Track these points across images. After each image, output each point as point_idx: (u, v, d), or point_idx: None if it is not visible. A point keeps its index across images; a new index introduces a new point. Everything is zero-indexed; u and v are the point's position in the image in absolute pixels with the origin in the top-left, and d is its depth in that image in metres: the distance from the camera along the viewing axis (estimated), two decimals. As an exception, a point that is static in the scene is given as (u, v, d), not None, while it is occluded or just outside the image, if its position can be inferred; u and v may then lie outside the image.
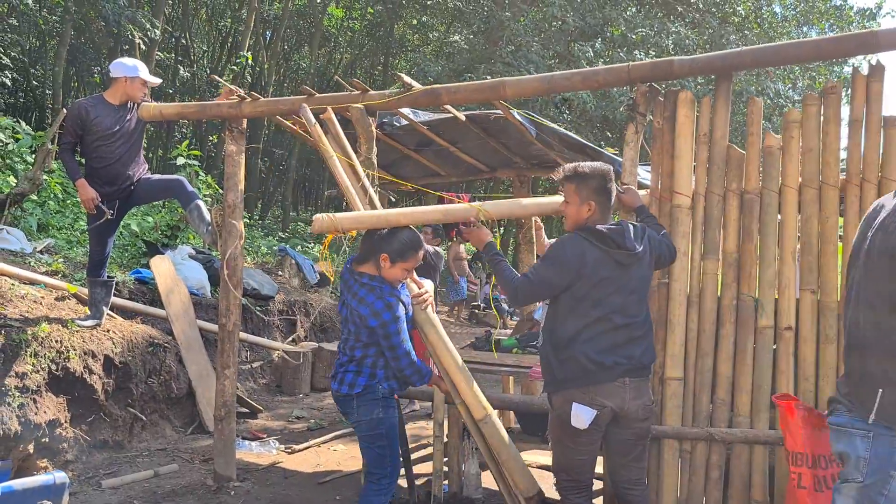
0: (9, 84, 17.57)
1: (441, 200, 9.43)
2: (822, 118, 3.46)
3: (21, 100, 18.71)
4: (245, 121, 4.85)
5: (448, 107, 4.65)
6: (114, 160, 5.15)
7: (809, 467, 2.67)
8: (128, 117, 5.14)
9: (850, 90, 3.45)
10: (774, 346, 3.56)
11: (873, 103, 3.37)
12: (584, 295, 3.16)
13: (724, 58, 3.59)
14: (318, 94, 4.44)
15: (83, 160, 5.27)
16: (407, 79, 4.30)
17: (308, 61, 23.67)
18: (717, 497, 3.62)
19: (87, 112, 5.07)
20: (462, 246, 13.60)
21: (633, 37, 14.14)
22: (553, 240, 3.62)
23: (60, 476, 3.93)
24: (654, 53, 13.75)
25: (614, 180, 3.34)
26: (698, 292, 3.66)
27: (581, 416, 3.14)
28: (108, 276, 5.57)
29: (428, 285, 3.75)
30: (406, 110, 5.28)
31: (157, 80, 5.26)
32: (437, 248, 7.08)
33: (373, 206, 3.86)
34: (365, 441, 3.51)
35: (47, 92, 19.43)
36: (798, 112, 3.50)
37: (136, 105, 5.18)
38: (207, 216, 5.08)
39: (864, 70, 3.46)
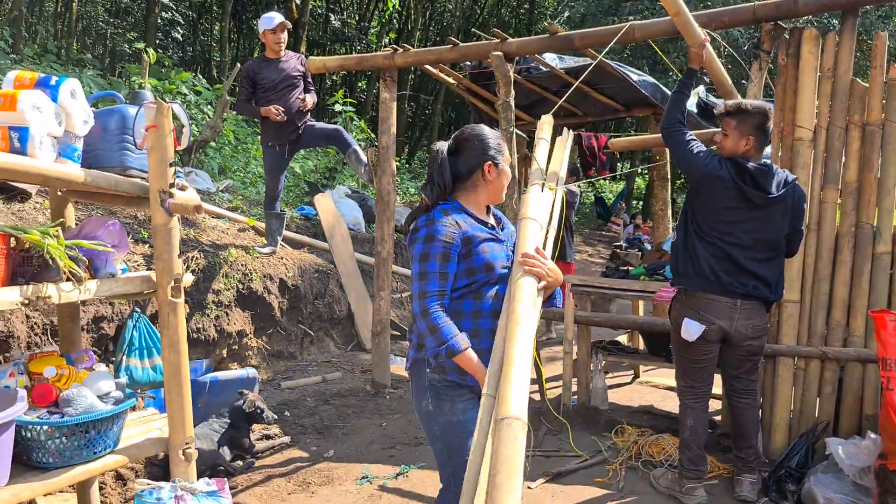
0: (180, 39, 19.25)
1: (579, 140, 9.74)
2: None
3: (189, 54, 20.47)
4: (397, 70, 5.40)
5: (590, 51, 5.00)
6: (281, 105, 5.89)
7: (899, 372, 2.92)
8: (287, 69, 5.85)
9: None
10: (891, 272, 3.72)
11: None
12: (709, 217, 3.41)
13: (849, -7, 3.70)
14: (461, 44, 4.89)
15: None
16: (555, 26, 4.66)
17: (454, 3, 24.01)
18: (829, 410, 3.88)
19: (252, 72, 5.90)
20: None
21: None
22: None
23: (252, 371, 4.77)
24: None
25: (767, 120, 3.40)
26: (817, 220, 3.87)
27: (690, 329, 3.48)
28: (281, 210, 6.38)
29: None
30: (550, 55, 5.67)
31: (275, 22, 5.80)
32: (571, 186, 7.38)
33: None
34: (425, 433, 2.61)
35: (213, 44, 21.08)
36: (923, 43, 3.57)
37: (297, 57, 5.90)
38: (364, 158, 5.74)
39: None
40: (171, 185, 2.80)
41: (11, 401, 2.45)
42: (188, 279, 2.94)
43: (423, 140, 24.91)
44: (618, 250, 14.37)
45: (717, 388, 4.93)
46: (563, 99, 4.35)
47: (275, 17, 5.86)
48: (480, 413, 2.20)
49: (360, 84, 21.50)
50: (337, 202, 8.42)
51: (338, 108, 9.76)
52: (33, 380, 2.84)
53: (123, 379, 2.96)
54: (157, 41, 15.72)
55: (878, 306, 3.72)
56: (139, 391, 3.54)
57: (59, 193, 3.17)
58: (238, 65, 8.10)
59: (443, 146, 2.49)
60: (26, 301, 2.46)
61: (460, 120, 26.61)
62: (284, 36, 5.91)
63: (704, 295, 3.45)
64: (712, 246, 3.42)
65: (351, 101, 10.52)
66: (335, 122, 10.12)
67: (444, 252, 2.33)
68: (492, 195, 2.53)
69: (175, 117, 2.83)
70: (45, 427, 2.54)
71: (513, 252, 2.50)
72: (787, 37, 3.88)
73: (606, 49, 4.41)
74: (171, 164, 2.81)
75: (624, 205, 18.71)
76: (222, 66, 17.16)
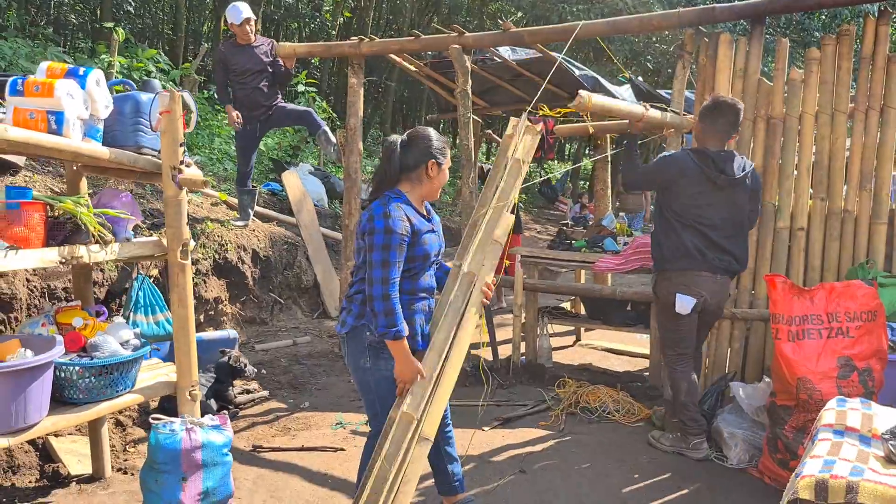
0: (132, 10, 19.11)
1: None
2: (837, 56, 4.18)
3: (139, 26, 20.34)
4: (363, 57, 5.86)
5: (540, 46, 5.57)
6: (251, 90, 6.35)
7: (784, 324, 3.55)
8: (258, 55, 6.29)
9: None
10: (789, 244, 4.39)
11: (880, 43, 4.06)
12: (683, 205, 3.87)
13: (758, 4, 4.32)
14: (423, 36, 5.39)
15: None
16: (508, 23, 5.19)
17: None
18: (737, 362, 4.55)
19: (225, 56, 6.39)
20: None
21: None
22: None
23: (233, 333, 5.24)
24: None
25: (737, 107, 3.86)
26: (730, 200, 4.50)
27: (684, 303, 3.93)
28: (252, 187, 6.82)
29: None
30: (504, 48, 6.23)
31: (241, 17, 6.24)
32: None
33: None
34: (358, 388, 3.07)
35: (163, 18, 20.96)
36: (817, 51, 4.22)
37: (268, 43, 6.34)
38: (333, 138, 6.23)
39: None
40: (181, 163, 3.27)
41: (51, 345, 2.90)
42: (192, 244, 3.41)
43: (377, 118, 25.23)
44: (564, 227, 15.10)
45: (643, 347, 5.60)
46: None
47: (242, 12, 6.27)
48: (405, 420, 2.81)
49: (313, 61, 21.64)
50: (301, 179, 8.85)
51: (301, 88, 10.14)
52: (61, 329, 3.29)
53: (139, 329, 3.43)
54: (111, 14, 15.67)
55: (778, 273, 4.38)
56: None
57: (74, 168, 3.60)
58: (204, 44, 8.41)
59: (396, 139, 2.95)
60: (63, 260, 2.92)
61: (413, 98, 26.94)
62: (251, 27, 6.35)
63: (693, 272, 3.90)
64: (692, 228, 3.89)
65: (314, 81, 10.89)
66: (298, 103, 10.50)
67: (400, 244, 2.72)
68: (429, 192, 2.94)
69: (185, 104, 3.29)
70: (77, 368, 3.01)
71: (442, 242, 3.03)
72: (707, 40, 4.49)
73: (564, 50, 4.95)
74: (180, 145, 3.27)
75: (571, 185, 19.45)
76: (177, 41, 17.19)
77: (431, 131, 2.97)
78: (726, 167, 3.85)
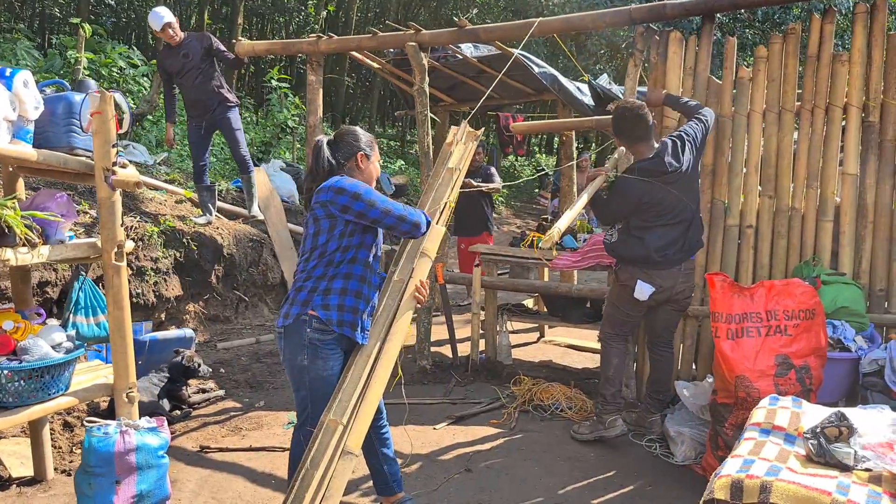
0: (113, 4, 18.99)
1: (497, 120, 10.33)
2: (783, 54, 4.17)
3: (122, 20, 20.20)
4: (323, 55, 5.83)
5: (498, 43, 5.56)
6: (190, 90, 6.47)
7: (724, 322, 3.55)
8: (189, 56, 6.35)
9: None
10: (739, 242, 4.39)
11: (825, 42, 4.06)
12: (651, 214, 3.89)
13: (707, 1, 4.30)
14: (379, 34, 5.36)
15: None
16: (464, 20, 5.16)
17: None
18: (688, 359, 4.56)
19: (162, 61, 6.56)
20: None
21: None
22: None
23: (189, 332, 5.22)
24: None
25: (639, 112, 3.87)
26: (680, 197, 4.49)
27: (643, 290, 3.97)
28: (210, 182, 6.82)
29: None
30: (467, 46, 6.22)
31: (161, 23, 6.26)
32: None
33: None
34: (292, 384, 3.04)
35: (147, 11, 20.82)
36: (765, 49, 4.22)
37: (198, 38, 6.35)
38: (254, 187, 6.85)
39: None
40: (114, 164, 3.24)
41: (-24, 349, 2.89)
42: (129, 245, 3.39)
43: (366, 109, 25.15)
44: (543, 222, 15.04)
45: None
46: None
47: (163, 17, 6.28)
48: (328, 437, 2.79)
49: (300, 56, 21.53)
50: (272, 175, 8.79)
51: (273, 83, 10.09)
52: (-8, 332, 3.26)
53: (73, 332, 3.41)
54: (90, 7, 15.57)
55: (728, 271, 4.39)
56: (86, 345, 3.96)
57: (10, 169, 3.57)
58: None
59: (323, 139, 3.07)
60: (-12, 263, 2.90)
61: (399, 93, 26.77)
62: (174, 29, 6.36)
63: (655, 270, 3.95)
64: (660, 227, 3.91)
65: (286, 77, 10.83)
66: (269, 99, 10.45)
67: (374, 191, 2.91)
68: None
69: (117, 105, 3.26)
70: (6, 371, 2.99)
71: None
72: (658, 38, 4.48)
73: (521, 45, 4.93)
74: (113, 146, 3.25)
75: (550, 180, 19.45)
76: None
77: (357, 128, 3.14)
78: (668, 165, 3.85)
